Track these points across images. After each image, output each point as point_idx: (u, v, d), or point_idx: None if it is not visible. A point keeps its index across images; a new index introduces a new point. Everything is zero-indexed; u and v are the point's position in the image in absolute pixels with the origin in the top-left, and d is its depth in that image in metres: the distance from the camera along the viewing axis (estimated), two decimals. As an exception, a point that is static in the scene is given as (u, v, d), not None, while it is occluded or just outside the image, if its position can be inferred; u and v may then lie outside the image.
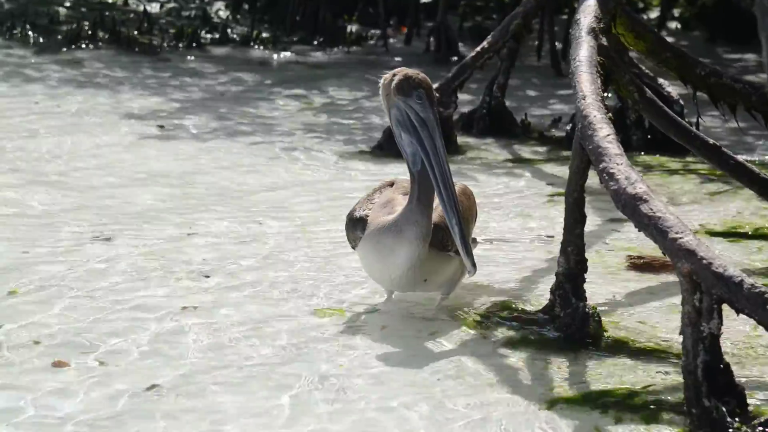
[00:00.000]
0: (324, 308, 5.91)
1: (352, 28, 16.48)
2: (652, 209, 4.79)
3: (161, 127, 10.31)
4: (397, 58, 14.69)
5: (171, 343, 5.36)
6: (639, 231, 4.86)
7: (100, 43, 14.46)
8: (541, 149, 10.05)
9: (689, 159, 9.66)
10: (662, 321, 5.86)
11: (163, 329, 5.53)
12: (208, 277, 6.34)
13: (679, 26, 17.96)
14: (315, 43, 15.59)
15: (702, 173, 9.11)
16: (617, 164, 4.98)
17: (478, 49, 9.65)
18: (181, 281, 6.24)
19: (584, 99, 5.20)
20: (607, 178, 4.97)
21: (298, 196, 8.21)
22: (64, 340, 5.35)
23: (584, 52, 5.42)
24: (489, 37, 9.90)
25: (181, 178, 8.56)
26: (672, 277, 6.47)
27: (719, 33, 16.98)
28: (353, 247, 5.90)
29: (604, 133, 5.09)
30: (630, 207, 4.86)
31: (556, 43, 14.27)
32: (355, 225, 5.79)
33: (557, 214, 7.81)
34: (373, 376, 5.10)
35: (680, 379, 4.98)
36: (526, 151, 9.95)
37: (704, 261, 4.56)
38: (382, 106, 5.77)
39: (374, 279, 5.91)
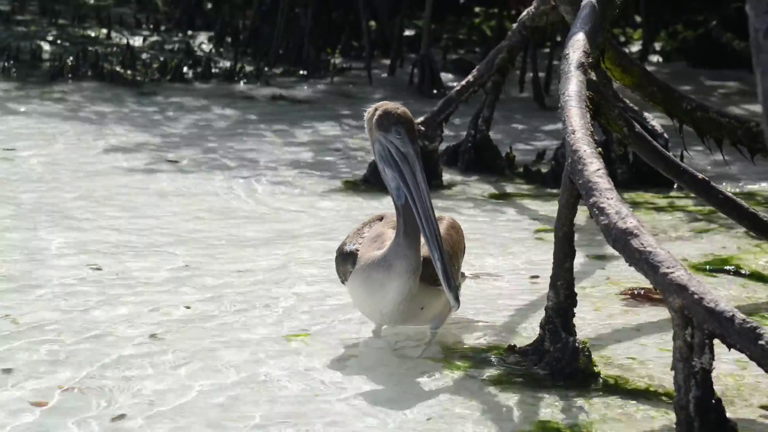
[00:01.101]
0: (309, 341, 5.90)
1: (335, 61, 16.49)
2: (642, 244, 4.79)
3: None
4: (380, 92, 14.69)
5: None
6: (630, 266, 4.86)
7: (84, 78, 14.41)
8: (526, 186, 10.05)
9: (674, 194, 9.69)
10: (653, 357, 5.85)
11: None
12: (188, 308, 6.40)
13: (660, 59, 18.03)
14: (300, 74, 15.60)
15: (688, 210, 9.13)
16: (607, 199, 4.98)
17: (463, 82, 9.66)
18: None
19: (574, 133, 5.21)
20: (597, 212, 4.97)
21: (285, 230, 8.20)
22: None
23: (573, 86, 5.42)
24: (474, 70, 9.90)
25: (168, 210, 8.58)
26: (660, 313, 6.51)
27: (700, 63, 17.08)
28: (342, 282, 5.88)
29: (594, 167, 5.09)
30: (621, 242, 4.86)
31: (540, 75, 14.30)
32: (345, 259, 5.77)
33: (544, 250, 7.84)
34: (362, 413, 5.07)
35: (672, 414, 5.02)
36: (511, 187, 9.95)
37: (695, 296, 4.57)
38: (369, 139, 5.78)
39: (364, 313, 5.89)
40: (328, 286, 6.78)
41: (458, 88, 9.61)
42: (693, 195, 9.39)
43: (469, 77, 9.72)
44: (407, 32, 16.99)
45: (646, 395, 5.36)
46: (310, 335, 6.02)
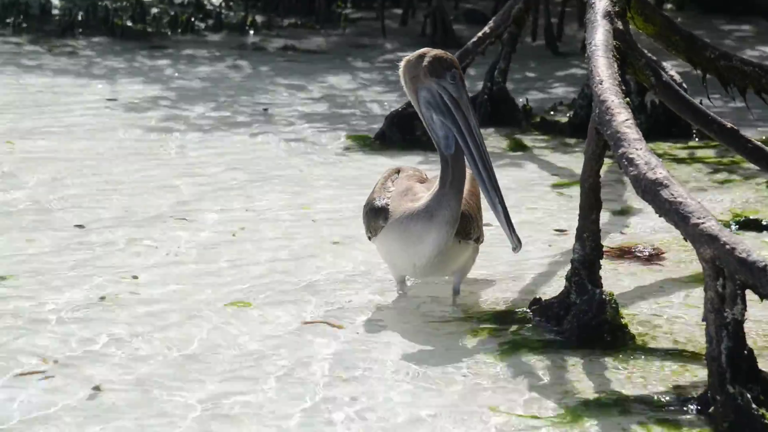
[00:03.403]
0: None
1: (346, 12, 16.39)
2: (673, 194, 4.73)
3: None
4: (392, 43, 14.59)
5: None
6: (660, 216, 4.81)
7: (94, 33, 14.32)
8: (544, 137, 9.95)
9: (693, 144, 9.60)
10: (679, 314, 5.82)
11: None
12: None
13: (673, 7, 17.90)
14: (311, 25, 15.49)
15: (708, 161, 9.06)
16: (636, 149, 4.92)
17: (480, 34, 9.54)
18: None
19: (601, 84, 5.13)
20: (626, 163, 4.91)
21: (303, 187, 8.14)
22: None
23: (600, 36, 5.35)
24: (490, 22, 9.80)
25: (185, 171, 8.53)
26: (681, 269, 6.47)
27: (713, 10, 16.96)
28: (370, 237, 5.83)
29: (623, 117, 5.03)
30: (650, 192, 4.80)
31: (552, 21, 14.19)
32: (378, 214, 5.70)
33: (563, 203, 7.79)
34: (391, 376, 5.04)
35: (701, 371, 4.99)
36: (528, 139, 9.85)
37: (727, 246, 4.51)
38: (404, 88, 5.69)
39: (394, 267, 5.85)
40: (348, 246, 6.76)
41: (475, 39, 9.50)
42: (712, 145, 9.39)
43: (486, 29, 9.62)
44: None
45: (672, 352, 5.32)
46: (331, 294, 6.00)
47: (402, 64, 5.66)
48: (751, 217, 7.30)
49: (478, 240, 5.85)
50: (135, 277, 6.15)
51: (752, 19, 16.28)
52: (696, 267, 6.36)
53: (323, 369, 5.05)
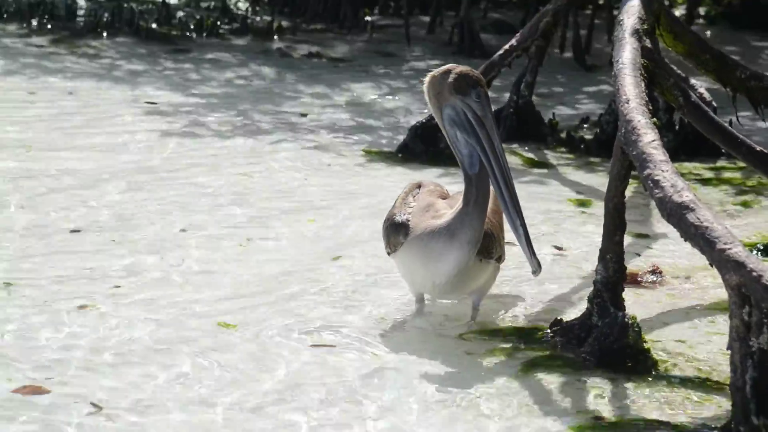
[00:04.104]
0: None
1: (373, 19, 16.31)
2: (699, 218, 4.64)
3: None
4: (418, 51, 14.48)
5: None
6: (685, 241, 4.70)
7: (119, 34, 14.27)
8: (569, 155, 9.79)
9: (720, 165, 9.45)
10: (703, 341, 5.72)
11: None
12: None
13: (704, 22, 17.77)
14: (337, 31, 15.41)
15: (735, 183, 8.91)
16: (662, 171, 4.83)
17: (507, 46, 9.42)
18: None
19: (627, 103, 5.04)
20: (652, 185, 4.81)
21: (327, 198, 8.03)
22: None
23: (628, 54, 5.25)
24: (518, 34, 9.66)
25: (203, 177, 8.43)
26: (708, 295, 6.35)
27: (744, 27, 16.81)
28: (389, 253, 5.73)
29: (649, 138, 4.93)
30: (676, 216, 4.71)
31: (581, 32, 14.04)
32: (398, 229, 5.60)
33: (583, 222, 7.67)
34: (411, 393, 4.97)
35: (725, 402, 4.88)
36: (553, 156, 9.70)
37: (754, 273, 4.42)
38: (428, 104, 5.60)
39: (412, 284, 5.76)
40: (371, 261, 6.67)
41: (501, 52, 9.37)
42: (741, 166, 9.24)
43: (513, 41, 9.50)
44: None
45: (695, 381, 5.22)
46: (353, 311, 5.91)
47: (426, 79, 5.58)
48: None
49: (500, 259, 5.76)
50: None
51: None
52: (719, 293, 6.28)
53: (339, 391, 4.97)
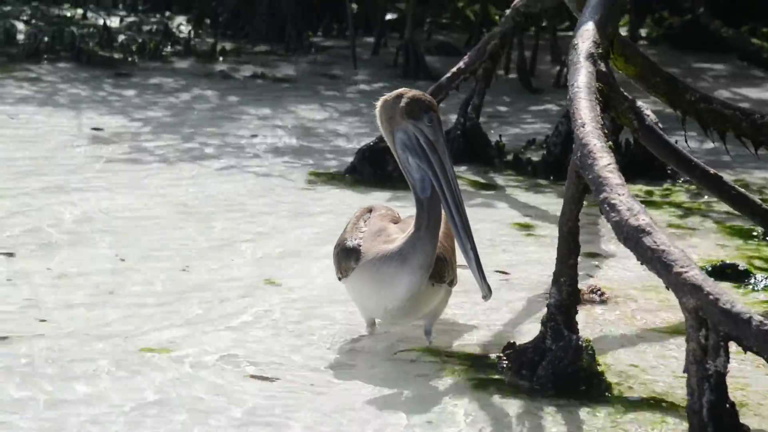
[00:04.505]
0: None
1: (317, 40, 16.29)
2: (655, 242, 4.65)
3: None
4: (363, 73, 14.45)
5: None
6: (642, 264, 4.70)
7: (60, 59, 14.09)
8: (517, 177, 9.78)
9: (667, 187, 9.49)
10: (656, 364, 5.70)
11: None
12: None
13: (646, 44, 17.89)
14: (281, 53, 15.37)
15: (683, 206, 8.95)
16: (619, 194, 4.82)
17: (454, 69, 9.41)
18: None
19: (583, 126, 5.02)
20: (608, 209, 4.80)
21: (273, 222, 7.96)
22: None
23: (583, 78, 5.23)
24: (465, 57, 9.65)
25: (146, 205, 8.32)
26: (658, 318, 6.36)
27: (686, 49, 16.96)
28: (340, 278, 5.68)
29: (605, 162, 4.92)
30: (632, 239, 4.70)
31: (526, 54, 14.07)
32: (349, 254, 5.54)
33: (534, 247, 7.66)
34: (361, 419, 4.92)
35: (680, 425, 4.89)
36: (501, 178, 9.69)
37: (711, 296, 4.44)
38: (380, 128, 5.56)
39: (364, 310, 5.71)
40: (319, 285, 6.62)
41: (449, 74, 9.37)
42: (687, 188, 9.29)
43: (461, 64, 9.50)
44: (389, 16, 16.73)
45: (650, 403, 5.20)
46: (299, 338, 5.82)
47: (378, 104, 5.54)
48: (725, 262, 7.19)
49: (452, 283, 5.73)
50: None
51: (726, 57, 16.24)
52: (664, 315, 6.31)
53: (288, 422, 4.87)
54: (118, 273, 6.72)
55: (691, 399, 4.52)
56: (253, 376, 5.31)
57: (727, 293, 4.45)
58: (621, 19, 5.80)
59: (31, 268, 6.69)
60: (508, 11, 9.78)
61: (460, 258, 5.69)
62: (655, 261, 4.60)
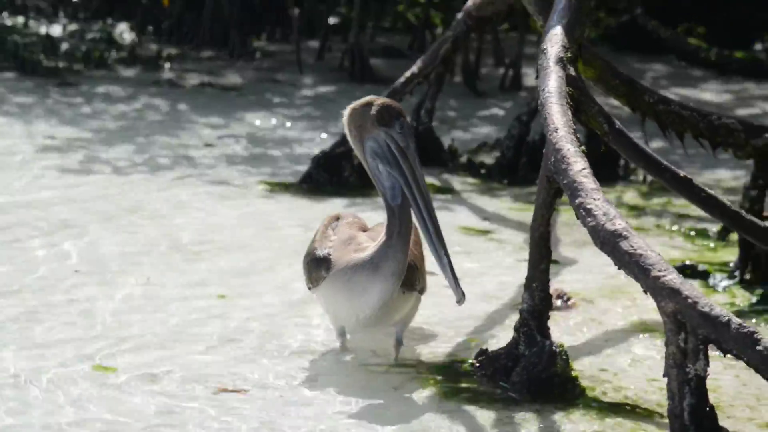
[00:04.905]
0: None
1: (261, 44, 16.22)
2: (632, 246, 4.66)
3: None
4: (310, 78, 14.40)
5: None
6: (619, 269, 4.71)
7: (2, 68, 13.91)
8: (471, 180, 9.81)
9: (620, 188, 9.56)
10: (625, 368, 5.73)
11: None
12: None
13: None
14: (226, 59, 15.29)
15: (635, 206, 9.01)
16: (594, 199, 4.82)
17: (408, 74, 9.40)
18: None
19: (556, 131, 5.02)
20: (584, 213, 4.80)
21: (231, 233, 7.90)
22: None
23: (553, 82, 5.24)
24: (418, 61, 9.64)
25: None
26: (625, 321, 6.39)
27: (624, 49, 17.06)
28: (311, 288, 5.65)
29: (579, 167, 4.93)
30: (609, 244, 4.71)
31: (471, 58, 14.09)
32: (320, 264, 5.51)
33: (496, 253, 7.67)
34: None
35: (656, 430, 4.95)
36: (456, 181, 9.71)
37: (689, 300, 4.47)
38: (348, 136, 5.52)
39: (336, 319, 5.67)
40: (284, 296, 6.59)
41: (403, 80, 9.36)
42: (640, 190, 9.37)
43: (414, 68, 9.49)
44: (332, 20, 16.68)
45: (625, 408, 5.22)
46: (266, 351, 5.79)
47: (347, 112, 5.50)
48: (684, 263, 7.24)
49: (422, 290, 5.72)
50: None
51: (663, 57, 16.36)
52: (633, 319, 6.36)
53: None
54: (78, 287, 6.65)
55: (672, 403, 4.53)
56: (223, 390, 5.27)
57: (705, 297, 4.47)
58: (588, 22, 5.78)
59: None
60: (459, 15, 9.78)
61: (427, 264, 5.70)
62: (633, 265, 4.61)
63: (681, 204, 8.72)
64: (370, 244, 5.50)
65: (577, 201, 4.83)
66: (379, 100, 5.46)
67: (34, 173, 9.29)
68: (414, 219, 5.44)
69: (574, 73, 5.38)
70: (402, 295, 5.51)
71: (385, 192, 5.43)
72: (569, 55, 5.40)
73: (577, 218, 4.86)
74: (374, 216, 6.98)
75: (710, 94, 14.25)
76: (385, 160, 5.40)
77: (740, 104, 13.57)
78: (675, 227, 8.40)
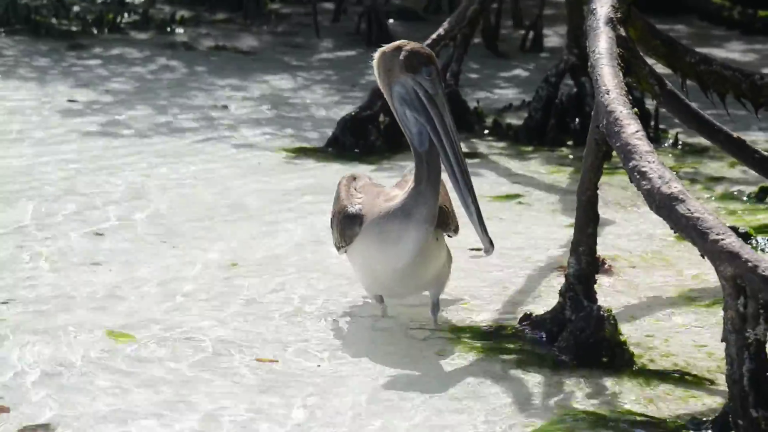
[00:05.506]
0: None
1: (276, 7, 16.07)
2: (690, 209, 4.52)
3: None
4: (327, 41, 14.26)
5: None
6: (676, 233, 4.60)
7: (16, 32, 13.78)
8: (499, 143, 9.65)
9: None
10: (672, 333, 5.63)
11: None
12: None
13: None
14: (240, 21, 15.14)
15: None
16: (649, 162, 4.69)
17: (434, 36, 9.24)
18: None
19: (608, 93, 4.90)
20: (638, 177, 4.68)
21: (263, 199, 7.77)
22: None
23: (603, 44, 5.11)
24: (445, 23, 9.46)
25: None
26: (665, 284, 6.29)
27: (644, 9, 16.85)
28: (341, 247, 5.52)
29: (633, 129, 4.80)
30: (666, 207, 4.58)
31: (491, 19, 13.93)
32: (353, 220, 5.38)
33: (529, 217, 7.56)
34: (388, 400, 4.81)
35: (707, 397, 4.86)
36: (483, 145, 9.56)
37: (750, 263, 4.33)
38: (377, 80, 5.37)
39: (371, 277, 5.52)
40: (321, 259, 6.48)
41: (429, 42, 9.19)
42: (675, 154, 9.26)
43: (440, 30, 9.32)
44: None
45: (674, 375, 5.13)
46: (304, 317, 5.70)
47: (376, 56, 5.36)
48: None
49: (456, 230, 5.56)
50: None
51: (685, 18, 16.19)
52: (669, 282, 6.24)
53: (306, 408, 4.75)
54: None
55: (730, 368, 4.42)
56: (259, 360, 5.19)
57: (766, 260, 4.36)
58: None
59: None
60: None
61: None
62: (690, 229, 4.48)
63: (715, 167, 8.61)
64: (400, 194, 5.39)
65: (631, 164, 4.70)
66: (409, 45, 5.32)
67: (56, 136, 9.22)
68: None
69: (624, 34, 5.25)
70: (435, 242, 5.39)
71: (412, 138, 5.30)
72: (619, 15, 5.27)
73: (631, 181, 4.73)
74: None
75: (734, 54, 14.07)
76: (412, 106, 5.27)
77: (766, 64, 13.40)
78: (710, 190, 8.28)
